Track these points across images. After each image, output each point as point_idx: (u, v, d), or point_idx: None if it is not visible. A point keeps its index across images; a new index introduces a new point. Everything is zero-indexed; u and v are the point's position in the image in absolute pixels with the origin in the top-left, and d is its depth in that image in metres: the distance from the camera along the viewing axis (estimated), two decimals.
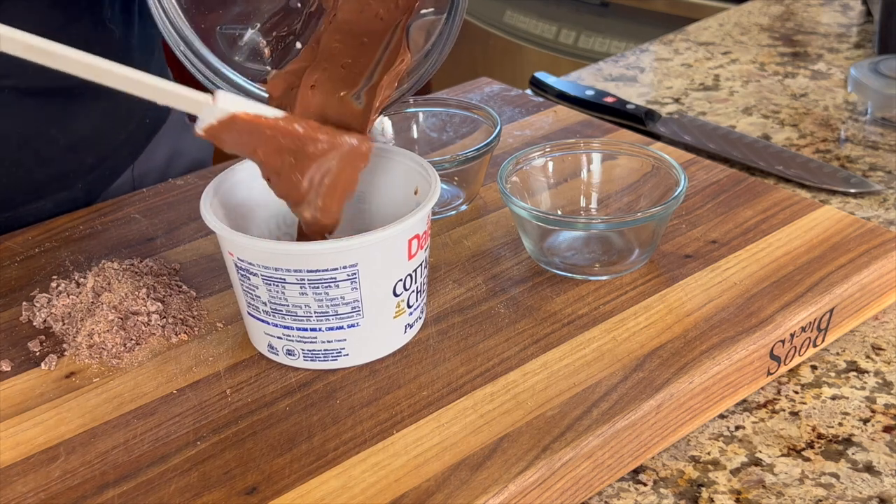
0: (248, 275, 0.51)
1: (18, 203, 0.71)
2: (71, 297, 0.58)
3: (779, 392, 0.56)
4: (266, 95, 0.54)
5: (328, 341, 0.52)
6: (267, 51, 0.55)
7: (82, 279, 0.60)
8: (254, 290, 0.51)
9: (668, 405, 0.50)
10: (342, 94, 0.52)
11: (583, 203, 0.65)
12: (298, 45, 0.55)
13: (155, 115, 0.79)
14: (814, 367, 0.58)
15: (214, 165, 0.75)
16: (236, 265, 0.51)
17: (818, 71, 0.98)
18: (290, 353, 0.52)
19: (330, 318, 0.51)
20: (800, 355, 0.57)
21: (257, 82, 0.55)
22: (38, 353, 0.55)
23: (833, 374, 0.57)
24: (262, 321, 0.52)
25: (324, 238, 0.53)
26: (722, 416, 0.54)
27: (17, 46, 0.45)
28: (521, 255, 0.62)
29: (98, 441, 0.49)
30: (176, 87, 0.47)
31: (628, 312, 0.56)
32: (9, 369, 0.54)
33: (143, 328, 0.55)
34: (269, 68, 0.55)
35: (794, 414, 0.54)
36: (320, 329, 0.51)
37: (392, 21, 0.52)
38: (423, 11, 0.53)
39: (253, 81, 0.55)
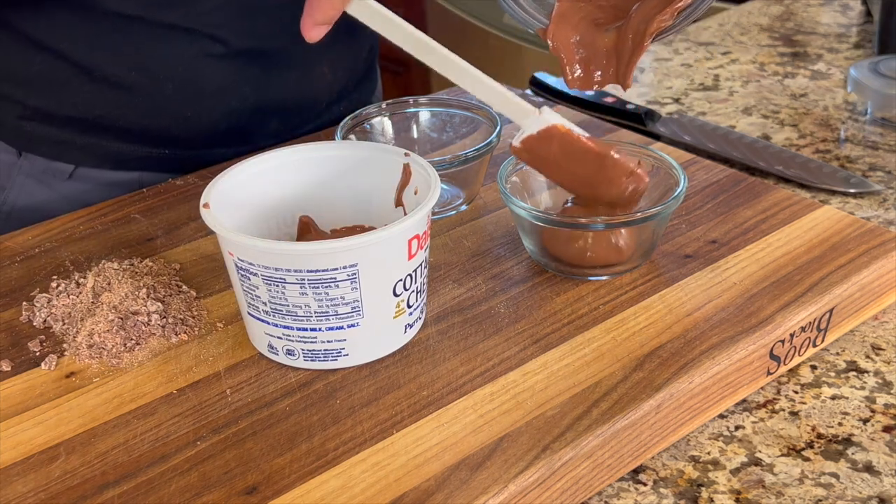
0: (248, 275, 0.51)
1: (201, 145, 0.78)
2: (71, 297, 0.58)
3: (779, 392, 0.56)
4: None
5: (328, 341, 0.52)
6: None
7: (82, 279, 0.60)
8: (254, 290, 0.51)
9: (667, 405, 0.50)
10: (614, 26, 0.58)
11: None
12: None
13: (332, 117, 0.82)
14: (813, 367, 0.58)
15: (215, 166, 0.75)
16: (236, 265, 0.51)
17: (818, 71, 0.98)
18: (290, 353, 0.52)
19: (330, 318, 0.51)
20: (800, 355, 0.57)
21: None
22: (38, 353, 0.55)
23: (833, 374, 0.57)
24: (263, 321, 0.52)
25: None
26: (722, 416, 0.54)
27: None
28: (521, 255, 0.62)
29: (98, 441, 0.49)
30: (513, 97, 0.56)
31: (628, 312, 0.56)
32: (9, 369, 0.54)
33: (143, 328, 0.55)
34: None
35: (794, 414, 0.54)
36: (320, 329, 0.51)
37: None
38: None
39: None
